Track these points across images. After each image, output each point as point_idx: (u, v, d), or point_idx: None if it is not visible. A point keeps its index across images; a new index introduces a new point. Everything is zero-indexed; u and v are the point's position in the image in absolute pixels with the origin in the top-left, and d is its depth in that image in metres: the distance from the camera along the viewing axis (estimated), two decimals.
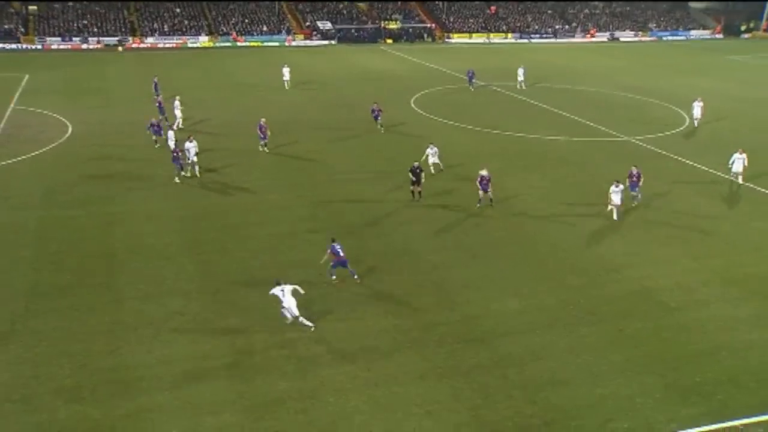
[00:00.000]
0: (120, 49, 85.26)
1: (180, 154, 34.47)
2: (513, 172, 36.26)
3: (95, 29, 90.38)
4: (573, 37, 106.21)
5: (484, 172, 30.80)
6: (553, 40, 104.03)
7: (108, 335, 20.61)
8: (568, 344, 20.61)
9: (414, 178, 31.45)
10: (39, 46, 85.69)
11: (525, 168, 37.21)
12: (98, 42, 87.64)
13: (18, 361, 19.38)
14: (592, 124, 47.26)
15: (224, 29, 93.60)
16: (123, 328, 20.91)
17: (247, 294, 23.15)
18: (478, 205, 30.97)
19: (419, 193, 31.69)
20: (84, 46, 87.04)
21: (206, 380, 18.67)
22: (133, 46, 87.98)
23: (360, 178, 35.02)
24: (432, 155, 35.38)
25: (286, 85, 59.09)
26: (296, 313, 20.89)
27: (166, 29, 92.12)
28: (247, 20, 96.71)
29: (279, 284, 21.11)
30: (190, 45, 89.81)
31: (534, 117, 49.41)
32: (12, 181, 34.01)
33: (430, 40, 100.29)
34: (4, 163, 36.84)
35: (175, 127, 41.11)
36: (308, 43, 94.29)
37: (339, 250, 23.59)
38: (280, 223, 29.16)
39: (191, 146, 34.78)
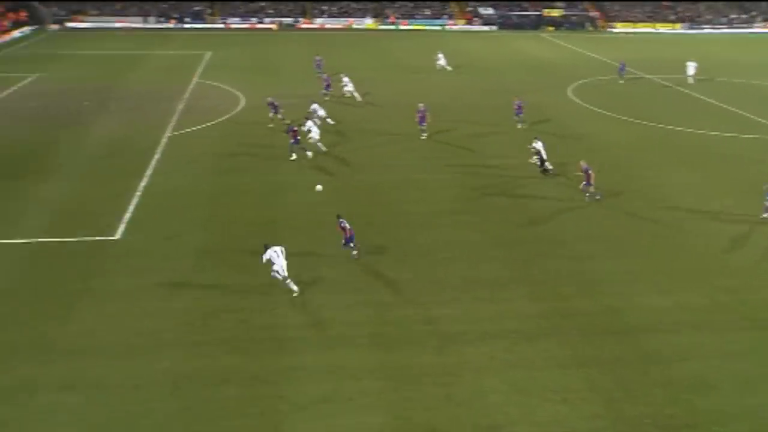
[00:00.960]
0: (274, 27, 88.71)
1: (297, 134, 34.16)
2: (667, 167, 34.45)
3: (271, 10, 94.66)
4: (751, 27, 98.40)
5: (583, 164, 29.55)
6: (727, 30, 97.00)
7: (265, 296, 21.81)
8: (719, 348, 19.47)
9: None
10: (221, 26, 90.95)
11: (681, 163, 35.22)
12: (272, 22, 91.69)
13: (189, 310, 21.01)
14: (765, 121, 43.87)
15: (387, 13, 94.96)
16: (279, 290, 22.02)
17: (399, 269, 23.67)
18: (587, 198, 29.63)
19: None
20: (260, 26, 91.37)
21: (351, 346, 19.35)
22: (303, 26, 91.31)
23: (509, 164, 34.56)
24: (537, 150, 32.99)
25: (438, 67, 59.19)
26: (286, 274, 21.31)
27: (335, 11, 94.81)
28: (410, 4, 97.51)
29: (268, 247, 21.40)
30: (355, 27, 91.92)
31: (700, 112, 46.50)
32: (191, 148, 36.56)
33: (592, 28, 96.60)
34: (186, 130, 39.71)
35: (358, 97, 45.42)
36: (469, 28, 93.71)
37: (346, 225, 23.70)
38: (430, 203, 29.48)
39: (312, 126, 34.87)
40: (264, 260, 21.53)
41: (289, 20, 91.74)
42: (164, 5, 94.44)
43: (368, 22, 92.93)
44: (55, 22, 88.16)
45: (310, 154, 34.65)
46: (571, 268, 23.88)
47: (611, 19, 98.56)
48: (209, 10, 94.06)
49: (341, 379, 17.98)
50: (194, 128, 40.26)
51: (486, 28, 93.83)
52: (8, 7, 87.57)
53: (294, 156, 34.36)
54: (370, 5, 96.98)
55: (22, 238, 25.51)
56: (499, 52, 72.81)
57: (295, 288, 21.66)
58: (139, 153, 35.61)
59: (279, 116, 39.98)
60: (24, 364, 18.36)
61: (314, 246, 25.19)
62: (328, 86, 47.25)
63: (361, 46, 74.98)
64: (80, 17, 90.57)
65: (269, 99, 41.18)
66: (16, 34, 79.20)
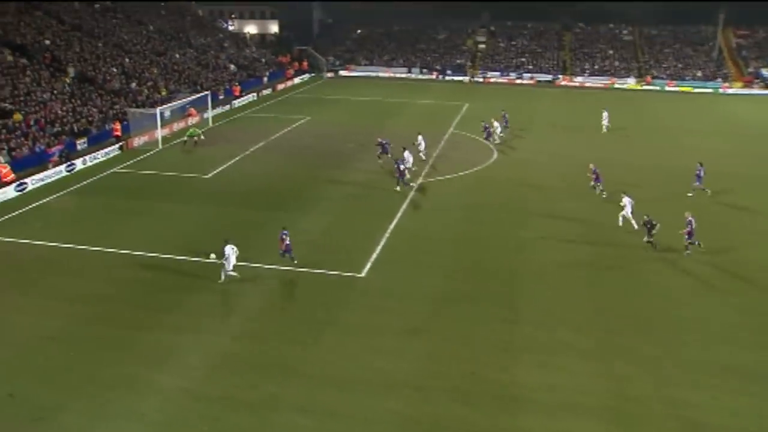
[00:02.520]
0: (532, 83, 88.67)
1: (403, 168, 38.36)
2: None
3: (530, 66, 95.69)
4: None
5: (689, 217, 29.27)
6: None
7: (499, 351, 21.67)
8: None
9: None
10: (480, 79, 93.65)
11: None
12: (532, 78, 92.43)
13: (422, 354, 21.51)
14: None
15: (655, 73, 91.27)
16: (515, 348, 21.78)
17: (639, 341, 22.29)
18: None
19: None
20: (518, 81, 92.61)
21: (584, 417, 18.47)
22: (563, 83, 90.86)
23: None
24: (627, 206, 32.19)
25: (604, 128, 55.89)
26: (230, 268, 25.69)
27: (596, 69, 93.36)
28: (680, 65, 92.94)
29: (228, 243, 25.88)
30: (617, 86, 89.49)
31: None
32: (441, 196, 37.79)
33: None
34: (438, 178, 41.16)
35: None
36: (748, 91, 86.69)
37: (286, 239, 26.99)
38: (675, 277, 27.44)
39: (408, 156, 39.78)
40: (225, 254, 25.62)
41: (548, 77, 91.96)
42: (428, 58, 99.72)
43: (630, 82, 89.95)
44: (330, 71, 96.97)
45: (413, 185, 38.87)
46: None
47: None
48: (469, 64, 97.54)
49: None
50: (446, 177, 41.60)
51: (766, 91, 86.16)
52: (295, 57, 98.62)
53: (399, 188, 38.27)
54: (634, 65, 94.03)
55: (280, 265, 27.96)
56: None
57: (223, 277, 25.82)
58: (391, 196, 37.56)
59: (388, 155, 42.97)
60: (269, 381, 19.96)
61: (557, 305, 24.62)
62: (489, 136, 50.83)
63: (620, 105, 72.73)
64: (352, 66, 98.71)
65: (379, 139, 44.69)
66: (296, 80, 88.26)
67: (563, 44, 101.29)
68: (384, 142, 44.35)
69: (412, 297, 25.39)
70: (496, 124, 51.79)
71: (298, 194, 38.03)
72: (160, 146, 49.51)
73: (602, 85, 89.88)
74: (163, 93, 62.21)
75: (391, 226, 32.79)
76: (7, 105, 47.05)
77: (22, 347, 21.66)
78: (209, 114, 59.28)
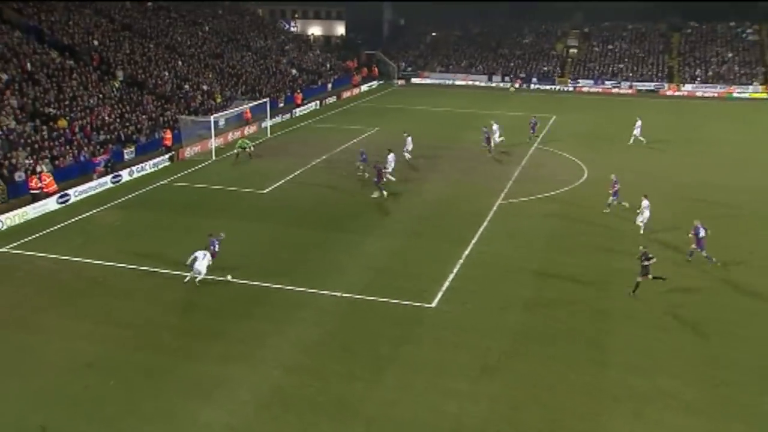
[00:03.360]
0: (631, 92, 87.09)
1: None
2: None
3: (630, 73, 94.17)
4: None
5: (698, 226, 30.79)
6: None
7: (586, 397, 21.24)
8: None
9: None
10: (570, 88, 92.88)
11: None
12: (630, 87, 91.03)
13: (497, 397, 21.27)
14: None
15: None
16: (604, 394, 21.31)
17: (763, 398, 21.48)
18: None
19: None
20: (615, 90, 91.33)
21: None
22: (668, 93, 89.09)
23: None
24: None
25: (632, 140, 55.72)
26: (202, 271, 28.13)
27: (710, 75, 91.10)
28: None
29: (214, 237, 29.29)
30: (736, 95, 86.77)
31: None
32: (522, 219, 37.49)
33: None
34: (520, 199, 40.88)
35: None
36: None
37: (214, 243, 29.31)
38: None
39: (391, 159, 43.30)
40: (199, 257, 28.01)
41: (650, 86, 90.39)
42: (511, 64, 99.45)
43: (755, 90, 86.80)
44: (401, 77, 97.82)
45: (385, 194, 40.91)
46: None
47: None
48: (559, 71, 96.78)
49: None
50: (528, 198, 41.27)
51: None
52: (363, 62, 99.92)
53: (376, 194, 40.75)
54: (759, 69, 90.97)
55: (341, 291, 28.17)
56: None
57: (188, 276, 28.41)
58: (466, 218, 37.49)
59: (362, 168, 45.36)
60: (325, 421, 20.04)
61: (654, 348, 24.02)
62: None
63: (745, 117, 70.91)
64: (425, 73, 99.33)
65: (361, 149, 47.30)
66: (363, 87, 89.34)
67: (670, 47, 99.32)
68: (362, 150, 47.00)
69: (488, 332, 25.19)
70: (495, 127, 53.76)
71: (361, 213, 38.41)
72: (214, 157, 50.78)
73: (716, 94, 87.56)
74: (218, 100, 63.94)
75: (466, 252, 32.68)
76: (51, 110, 49.11)
77: (58, 374, 22.37)
78: (267, 123, 60.51)
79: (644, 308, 27.11)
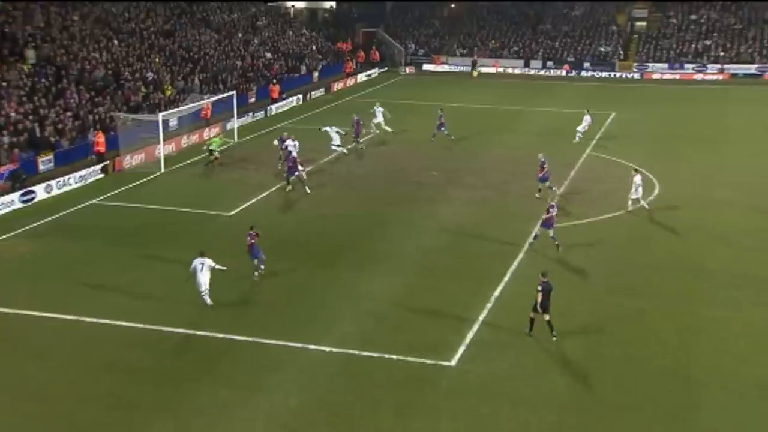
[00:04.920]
0: (723, 78, 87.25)
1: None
2: None
3: (720, 52, 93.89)
4: None
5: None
6: None
7: None
8: None
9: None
10: (635, 75, 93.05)
11: None
12: (721, 71, 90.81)
13: None
14: None
15: None
16: None
17: None
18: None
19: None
20: (698, 76, 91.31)
21: None
22: None
23: None
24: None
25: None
26: (204, 288, 30.21)
27: None
28: None
29: (203, 255, 30.53)
30: None
31: None
32: (570, 251, 37.20)
33: None
34: (565, 224, 40.67)
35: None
36: None
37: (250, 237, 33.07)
38: None
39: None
40: (190, 269, 30.06)
41: (749, 69, 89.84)
42: (556, 44, 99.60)
43: None
44: (409, 63, 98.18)
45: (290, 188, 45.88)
46: None
47: None
48: (621, 52, 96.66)
49: None
50: (578, 222, 41.27)
51: None
52: (359, 44, 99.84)
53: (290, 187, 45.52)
54: None
55: (332, 346, 27.99)
56: None
57: (209, 301, 30.20)
58: (496, 249, 37.51)
59: (282, 158, 49.37)
60: None
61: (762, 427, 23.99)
62: None
63: None
64: (441, 58, 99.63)
65: (284, 135, 51.27)
66: (360, 77, 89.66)
67: None
68: (284, 138, 50.84)
69: (525, 401, 25.04)
70: (378, 111, 60.35)
71: (359, 244, 38.42)
72: (162, 168, 50.87)
73: None
74: (168, 93, 64.10)
75: (496, 294, 32.57)
76: None
77: None
78: (234, 124, 60.63)
79: (747, 372, 26.73)
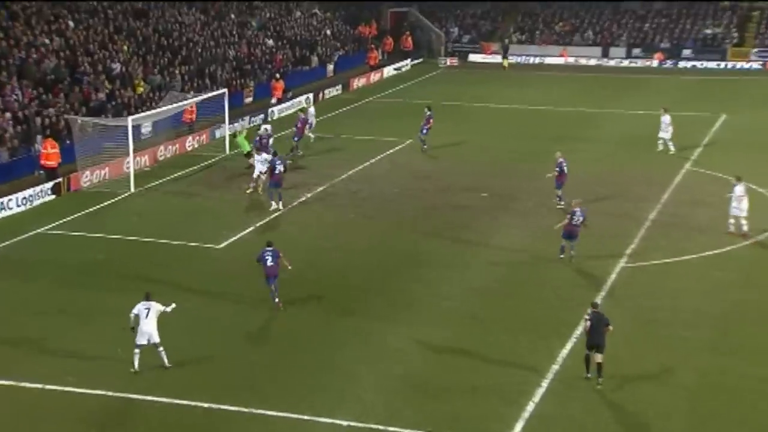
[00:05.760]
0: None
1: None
2: None
3: None
4: None
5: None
6: None
7: None
8: None
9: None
10: (754, 65, 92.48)
11: None
12: None
13: None
14: None
15: None
16: None
17: None
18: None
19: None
20: None
21: None
22: None
23: None
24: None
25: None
26: (150, 341, 29.71)
27: None
28: None
29: (148, 299, 30.30)
30: None
31: None
32: (661, 295, 37.09)
33: None
34: (653, 263, 40.68)
35: None
36: None
37: (267, 257, 34.55)
38: None
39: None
40: (131, 315, 29.90)
41: None
42: (644, 27, 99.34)
43: None
44: (451, 54, 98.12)
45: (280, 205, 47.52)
46: None
47: None
48: (734, 36, 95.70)
49: None
50: (674, 259, 41.10)
51: None
52: (387, 29, 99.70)
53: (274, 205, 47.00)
54: None
55: (349, 419, 27.40)
56: None
57: (166, 361, 29.99)
58: (564, 293, 37.41)
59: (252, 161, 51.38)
60: None
61: None
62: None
63: None
64: (492, 45, 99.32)
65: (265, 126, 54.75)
66: (388, 70, 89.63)
67: None
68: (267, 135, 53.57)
69: None
70: (311, 111, 61.21)
71: (387, 285, 38.56)
72: (133, 188, 51.00)
73: None
74: (140, 90, 64.32)
75: (564, 352, 32.43)
76: None
77: None
78: (226, 131, 60.77)
79: None
